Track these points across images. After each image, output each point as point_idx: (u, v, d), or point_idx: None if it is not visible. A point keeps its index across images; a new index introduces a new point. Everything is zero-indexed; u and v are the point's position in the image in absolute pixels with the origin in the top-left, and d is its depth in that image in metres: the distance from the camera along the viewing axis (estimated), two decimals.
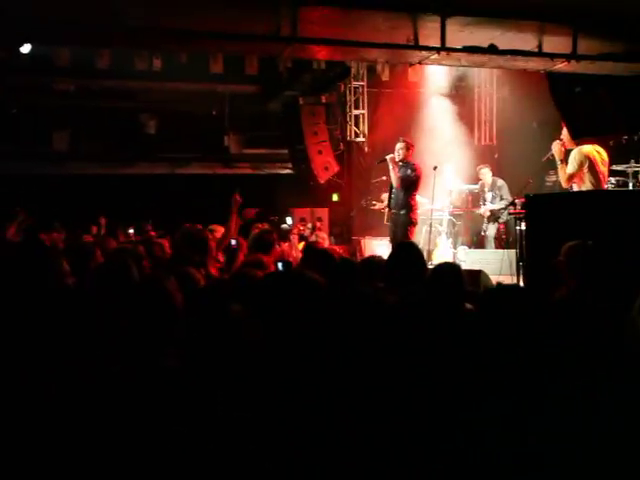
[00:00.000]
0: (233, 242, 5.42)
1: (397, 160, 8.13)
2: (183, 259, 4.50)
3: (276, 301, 2.30)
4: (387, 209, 8.89)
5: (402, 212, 8.11)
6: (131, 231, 9.27)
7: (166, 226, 9.83)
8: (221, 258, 6.21)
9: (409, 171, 8.06)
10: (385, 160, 8.24)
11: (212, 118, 13.54)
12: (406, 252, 3.54)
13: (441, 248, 10.35)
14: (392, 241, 8.30)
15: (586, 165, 7.04)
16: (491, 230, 10.11)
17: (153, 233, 9.00)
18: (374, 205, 10.84)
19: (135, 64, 10.30)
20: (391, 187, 8.33)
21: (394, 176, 8.09)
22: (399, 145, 8.23)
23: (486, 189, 10.26)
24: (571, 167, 7.13)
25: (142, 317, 2.34)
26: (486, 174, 10.25)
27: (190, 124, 13.37)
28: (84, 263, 3.87)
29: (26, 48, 9.51)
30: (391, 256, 3.70)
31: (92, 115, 12.94)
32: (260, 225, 9.81)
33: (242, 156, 13.85)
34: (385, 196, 8.71)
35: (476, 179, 10.97)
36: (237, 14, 4.90)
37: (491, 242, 10.07)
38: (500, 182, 10.10)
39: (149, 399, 1.93)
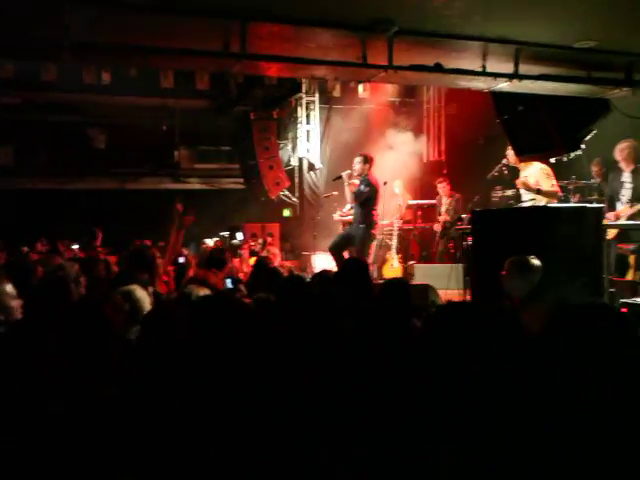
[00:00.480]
0: (181, 259, 5.38)
1: (356, 175, 8.23)
2: (129, 277, 4.44)
3: (209, 323, 2.27)
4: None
5: (361, 226, 8.17)
6: (75, 247, 9.10)
7: (115, 242, 9.70)
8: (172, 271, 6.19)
9: (362, 186, 8.13)
10: (341, 177, 8.33)
11: (162, 133, 13.44)
12: (353, 268, 3.57)
13: (391, 263, 10.48)
14: (342, 250, 8.37)
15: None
16: (441, 245, 10.30)
17: (100, 249, 8.85)
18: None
19: (83, 77, 10.15)
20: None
21: (348, 192, 8.21)
22: (356, 159, 8.30)
23: (443, 203, 10.43)
24: (548, 184, 7.46)
25: (78, 341, 2.27)
26: (443, 188, 10.41)
27: (140, 139, 13.24)
28: (26, 282, 3.78)
29: None
30: (339, 272, 3.72)
31: (38, 129, 12.67)
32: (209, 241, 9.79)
33: (193, 171, 13.78)
34: (342, 173, 8.65)
35: (425, 194, 11.16)
36: (186, 30, 4.88)
37: (441, 257, 10.25)
38: (456, 197, 10.29)
39: (87, 435, 1.87)
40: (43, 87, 10.83)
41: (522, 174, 7.92)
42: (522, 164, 7.74)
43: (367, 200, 8.13)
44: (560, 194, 7.85)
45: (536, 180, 7.71)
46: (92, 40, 4.77)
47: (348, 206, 8.85)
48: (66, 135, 12.88)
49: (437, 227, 10.36)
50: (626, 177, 7.33)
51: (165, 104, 12.52)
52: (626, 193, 7.30)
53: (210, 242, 10.54)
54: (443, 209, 10.29)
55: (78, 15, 4.44)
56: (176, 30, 4.89)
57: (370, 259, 10.20)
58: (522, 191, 7.94)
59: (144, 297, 3.56)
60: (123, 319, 2.46)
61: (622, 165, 7.33)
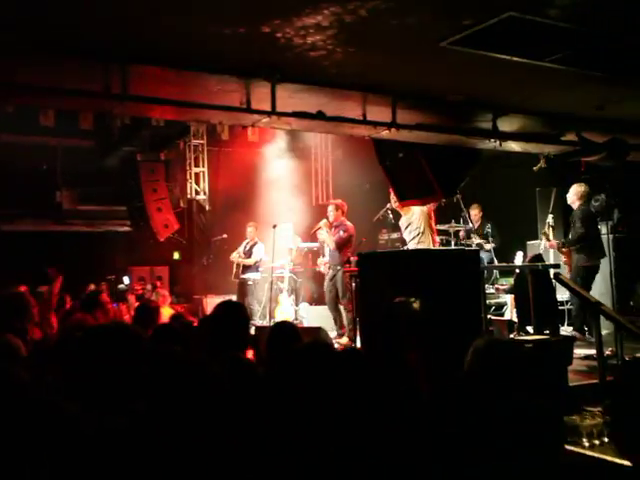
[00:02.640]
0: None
1: (330, 222, 8.82)
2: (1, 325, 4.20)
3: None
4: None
5: (339, 269, 8.64)
6: None
7: None
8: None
9: (341, 232, 8.71)
10: (320, 227, 8.87)
11: (43, 173, 12.88)
12: (229, 313, 3.52)
13: (283, 305, 10.48)
14: (332, 298, 8.79)
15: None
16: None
17: None
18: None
19: None
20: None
21: (330, 239, 8.71)
22: (330, 208, 8.95)
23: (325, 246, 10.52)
24: (427, 225, 7.77)
25: None
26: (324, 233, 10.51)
27: (19, 178, 12.59)
28: None
29: None
30: (213, 318, 3.63)
31: None
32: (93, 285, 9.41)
33: (76, 212, 13.26)
34: (321, 260, 9.32)
35: (314, 237, 11.33)
36: (66, 69, 4.76)
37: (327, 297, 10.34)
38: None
39: None
40: None
41: (404, 218, 8.21)
42: (404, 208, 8.02)
43: (345, 243, 8.71)
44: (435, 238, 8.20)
45: (417, 224, 8.02)
46: None
47: (327, 256, 9.11)
48: None
49: (322, 268, 10.45)
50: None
51: (46, 143, 12.05)
52: None
53: (92, 287, 10.11)
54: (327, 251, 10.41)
55: None
56: (55, 69, 4.76)
57: (262, 301, 10.25)
58: (405, 234, 8.22)
59: (18, 345, 3.44)
60: None
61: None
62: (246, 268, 10.45)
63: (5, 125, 10.53)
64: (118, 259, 12.59)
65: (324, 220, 8.87)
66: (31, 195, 12.89)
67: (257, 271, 10.47)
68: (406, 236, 8.25)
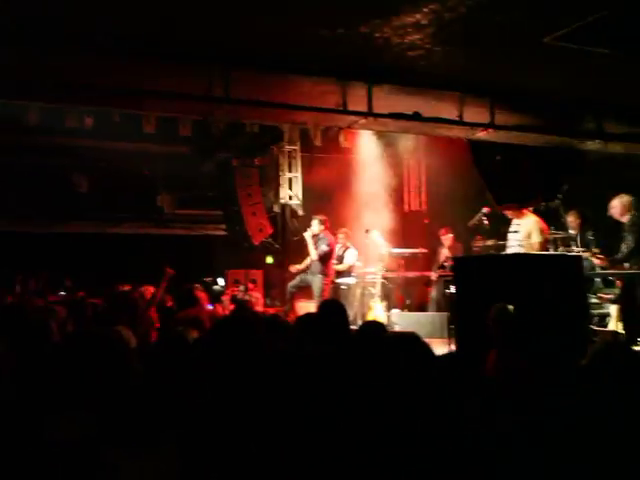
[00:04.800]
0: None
1: (315, 234, 9.81)
2: (111, 319, 4.42)
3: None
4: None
5: (317, 277, 9.73)
6: (62, 293, 9.11)
7: (97, 286, 9.60)
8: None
9: (324, 246, 9.70)
10: (303, 237, 9.98)
11: (145, 178, 13.45)
12: (329, 309, 3.56)
13: (374, 311, 10.42)
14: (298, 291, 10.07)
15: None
16: (435, 293, 10.28)
17: (82, 293, 8.77)
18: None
19: (66, 121, 10.19)
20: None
21: (313, 250, 9.70)
22: (314, 222, 9.97)
23: (442, 253, 10.42)
24: (540, 236, 7.46)
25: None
26: (446, 240, 10.43)
27: (122, 183, 13.23)
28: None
29: None
30: (317, 314, 3.71)
31: (20, 172, 12.65)
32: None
33: (175, 216, 13.74)
34: (304, 234, 10.22)
35: (407, 243, 11.23)
36: (170, 73, 4.96)
37: (434, 305, 10.23)
38: (458, 245, 10.27)
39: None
40: (25, 130, 10.86)
41: (514, 222, 7.89)
42: (514, 212, 7.70)
43: (325, 256, 9.74)
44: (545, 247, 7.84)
45: (528, 232, 7.69)
46: (76, 81, 4.83)
47: (308, 261, 10.13)
48: (48, 179, 12.84)
49: (433, 275, 10.36)
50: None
51: (147, 149, 12.58)
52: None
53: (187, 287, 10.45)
54: (442, 258, 10.29)
55: (63, 58, 4.52)
56: (162, 74, 4.98)
57: (354, 307, 10.26)
58: (514, 241, 7.90)
59: (129, 337, 3.58)
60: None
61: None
62: (339, 273, 10.49)
63: (111, 133, 11.08)
64: (214, 262, 12.94)
65: (308, 231, 9.94)
66: (134, 199, 13.50)
67: (350, 276, 10.49)
68: (511, 242, 7.94)
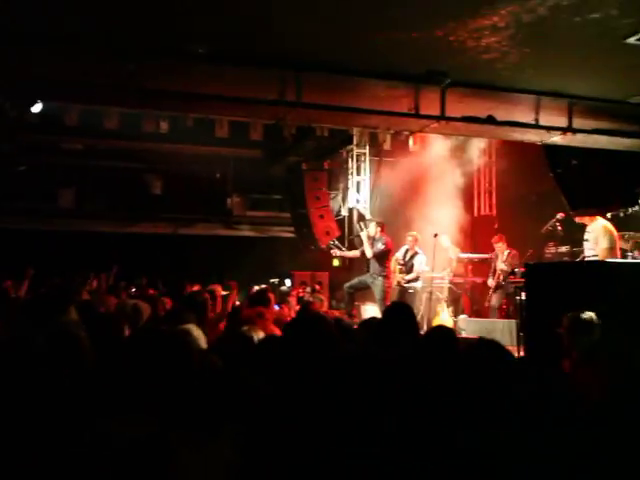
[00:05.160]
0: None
1: (372, 236, 9.84)
2: (180, 318, 4.52)
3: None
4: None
5: (379, 279, 9.66)
6: (133, 290, 9.40)
7: (168, 285, 9.89)
8: None
9: (380, 244, 9.70)
10: (359, 235, 10.06)
11: (216, 180, 13.76)
12: (398, 312, 3.55)
13: (441, 316, 10.29)
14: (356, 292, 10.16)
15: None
16: (495, 300, 10.05)
17: (152, 291, 9.03)
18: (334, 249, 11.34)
19: (143, 126, 10.55)
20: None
21: (368, 249, 9.75)
22: (371, 224, 10.05)
23: (498, 259, 10.18)
24: (607, 242, 7.18)
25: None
26: (500, 248, 10.18)
27: (194, 186, 13.59)
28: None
29: (37, 107, 9.81)
30: (385, 317, 3.71)
31: (98, 174, 13.17)
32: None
33: (244, 218, 13.99)
34: (354, 252, 10.54)
35: (476, 248, 11.04)
36: (243, 78, 5.06)
37: (494, 312, 10.00)
38: (513, 253, 10.01)
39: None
40: (105, 134, 11.31)
41: (587, 229, 7.66)
42: (587, 219, 7.47)
43: (382, 255, 9.68)
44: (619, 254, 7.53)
45: (596, 237, 7.45)
46: (156, 87, 4.99)
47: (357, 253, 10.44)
48: (124, 181, 13.32)
49: (491, 282, 10.12)
50: None
51: (219, 153, 12.86)
52: None
53: (255, 288, 10.62)
54: (499, 263, 10.04)
55: (143, 63, 4.68)
56: (235, 79, 5.08)
57: (421, 311, 10.15)
58: (586, 248, 7.67)
59: (200, 336, 3.63)
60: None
61: None
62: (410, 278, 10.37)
63: (185, 137, 11.40)
64: (281, 263, 13.09)
65: (364, 231, 9.97)
66: (205, 201, 13.84)
67: (417, 280, 10.37)
68: (585, 249, 7.70)
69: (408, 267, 10.26)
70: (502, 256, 9.97)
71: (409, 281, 10.19)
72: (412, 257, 10.29)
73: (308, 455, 1.93)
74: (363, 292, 10.80)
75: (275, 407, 2.08)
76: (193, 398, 2.07)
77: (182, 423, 2.00)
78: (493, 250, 10.31)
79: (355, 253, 10.55)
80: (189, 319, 4.43)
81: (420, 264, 10.23)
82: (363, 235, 9.87)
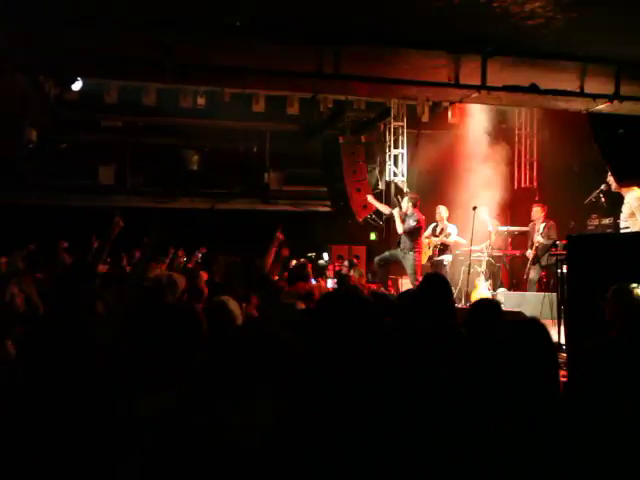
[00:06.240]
0: None
1: (404, 212, 9.86)
2: (226, 290, 4.56)
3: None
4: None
5: (409, 254, 9.68)
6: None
7: (206, 260, 10.00)
8: None
9: (411, 221, 9.69)
10: (392, 214, 10.11)
11: (253, 155, 13.79)
12: (433, 284, 3.54)
13: (480, 289, 10.20)
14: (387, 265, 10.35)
15: None
16: (533, 273, 9.90)
17: (190, 265, 9.19)
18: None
19: (180, 102, 10.60)
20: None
21: (400, 225, 9.78)
22: (404, 199, 10.08)
23: (536, 229, 10.01)
24: None
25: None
26: (537, 213, 9.98)
27: (232, 161, 13.65)
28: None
29: (77, 85, 9.93)
30: (420, 289, 3.69)
31: (137, 150, 13.32)
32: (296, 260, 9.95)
33: (282, 193, 14.02)
34: (392, 210, 10.33)
35: (516, 221, 10.86)
36: (282, 52, 5.02)
37: (533, 285, 9.86)
38: (550, 223, 9.83)
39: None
40: (143, 111, 11.41)
41: (625, 200, 7.51)
42: (623, 189, 7.35)
43: (415, 231, 9.69)
44: None
45: (631, 209, 7.31)
46: (192, 62, 4.99)
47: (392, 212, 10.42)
48: (163, 156, 13.45)
49: (529, 254, 9.94)
50: None
51: (256, 128, 12.87)
52: None
53: (294, 262, 10.68)
54: (537, 235, 9.85)
55: (179, 37, 4.68)
56: (271, 52, 5.05)
57: (459, 285, 10.09)
58: (621, 220, 7.54)
59: (236, 309, 3.65)
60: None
61: None
62: (442, 250, 10.31)
63: (222, 112, 11.42)
64: (319, 237, 13.11)
65: (396, 208, 10.02)
66: (242, 176, 13.90)
67: (450, 253, 10.29)
68: (621, 221, 7.58)
69: (437, 236, 10.26)
70: (539, 227, 9.79)
71: (441, 251, 10.17)
72: (442, 229, 10.25)
73: (343, 419, 1.93)
74: (397, 266, 10.79)
75: (309, 367, 2.08)
76: (224, 363, 2.07)
77: (214, 388, 2.01)
78: (532, 221, 10.14)
79: (387, 209, 10.71)
80: (236, 292, 4.45)
81: (454, 233, 10.20)
82: (395, 212, 9.94)
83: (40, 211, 12.30)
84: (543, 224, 9.71)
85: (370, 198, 11.07)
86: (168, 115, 11.82)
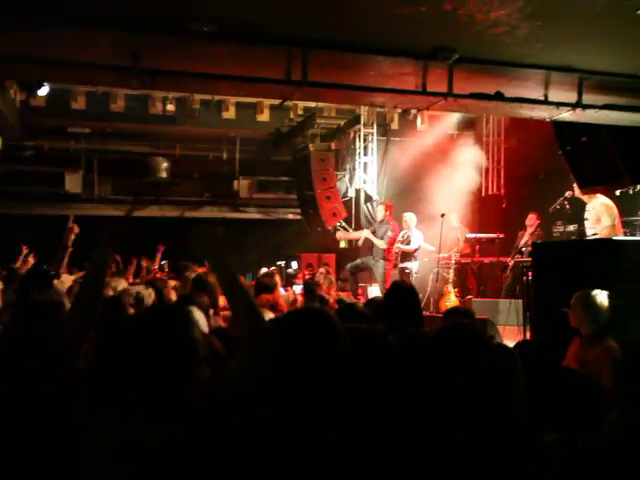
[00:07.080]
0: None
1: (379, 220, 10.24)
2: (191, 300, 4.51)
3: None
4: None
5: (380, 262, 10.00)
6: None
7: (174, 268, 9.89)
8: None
9: (389, 232, 9.98)
10: (367, 237, 10.37)
11: (223, 163, 13.72)
12: (398, 292, 3.55)
13: (449, 296, 10.29)
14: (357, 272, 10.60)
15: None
16: (510, 279, 10.01)
17: (158, 275, 9.07)
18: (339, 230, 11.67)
19: (149, 108, 10.54)
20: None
21: (380, 242, 10.04)
22: (379, 208, 10.39)
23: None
24: (609, 219, 7.21)
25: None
26: (531, 220, 10.02)
27: (201, 168, 13.57)
28: None
29: (44, 91, 9.79)
30: (386, 297, 3.70)
31: (105, 157, 13.16)
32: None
33: (251, 200, 13.98)
34: (364, 234, 10.64)
35: (483, 228, 10.99)
36: (250, 58, 5.00)
37: (506, 292, 9.97)
38: (540, 231, 9.87)
39: None
40: (111, 118, 11.29)
41: (587, 207, 7.69)
42: (586, 197, 7.52)
43: (391, 241, 10.03)
44: (621, 231, 7.52)
45: (597, 215, 7.47)
46: (159, 67, 4.94)
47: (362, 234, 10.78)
48: (131, 164, 13.30)
49: (510, 261, 10.01)
50: None
51: (226, 135, 12.82)
52: None
53: (264, 270, 10.65)
54: (521, 244, 9.93)
55: (145, 44, 4.63)
56: (239, 58, 5.03)
57: (427, 292, 10.15)
58: (586, 226, 7.69)
59: (201, 318, 3.65)
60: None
61: None
62: (404, 257, 10.37)
63: (191, 119, 11.38)
64: (288, 245, 13.09)
65: (367, 231, 10.46)
66: (212, 184, 13.83)
67: (416, 260, 10.35)
68: (587, 228, 7.72)
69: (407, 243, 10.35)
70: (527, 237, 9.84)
71: (405, 257, 10.24)
72: (409, 236, 10.35)
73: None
74: (368, 274, 10.83)
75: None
76: None
77: None
78: (501, 230, 10.27)
79: (359, 235, 10.87)
80: (201, 301, 4.41)
81: (417, 240, 10.28)
82: (367, 233, 10.32)
83: (4, 220, 12.06)
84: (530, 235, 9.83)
85: (339, 234, 11.58)
86: (137, 122, 11.73)
